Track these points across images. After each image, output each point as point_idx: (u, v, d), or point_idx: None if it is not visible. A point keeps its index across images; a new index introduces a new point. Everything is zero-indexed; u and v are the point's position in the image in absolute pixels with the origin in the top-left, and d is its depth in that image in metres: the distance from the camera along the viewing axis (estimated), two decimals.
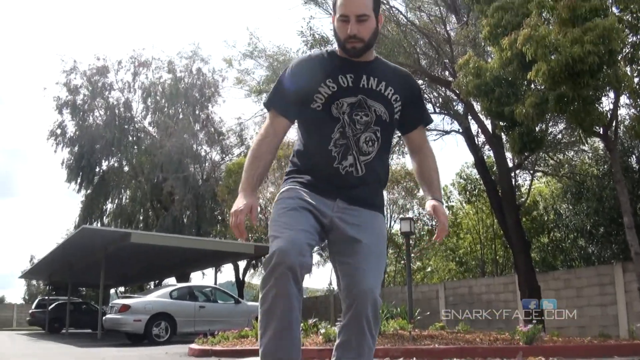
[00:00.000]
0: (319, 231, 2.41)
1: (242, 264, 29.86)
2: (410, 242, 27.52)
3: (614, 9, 11.14)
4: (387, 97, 2.52)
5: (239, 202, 2.40)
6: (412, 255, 28.74)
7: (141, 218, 31.61)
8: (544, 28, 10.56)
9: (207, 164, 32.01)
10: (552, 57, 10.21)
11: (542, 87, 11.17)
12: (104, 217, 31.23)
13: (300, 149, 2.60)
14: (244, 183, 2.49)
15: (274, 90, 2.63)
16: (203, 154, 32.14)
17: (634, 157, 17.12)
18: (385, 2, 17.53)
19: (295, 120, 2.63)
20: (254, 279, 34.18)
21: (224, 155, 32.03)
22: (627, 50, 11.07)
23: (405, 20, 17.65)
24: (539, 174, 21.97)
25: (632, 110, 12.39)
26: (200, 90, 31.57)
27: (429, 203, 2.67)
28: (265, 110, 2.68)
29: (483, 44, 14.62)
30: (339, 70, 2.50)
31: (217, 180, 29.69)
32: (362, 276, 2.34)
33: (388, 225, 28.52)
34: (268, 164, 2.57)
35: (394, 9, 17.77)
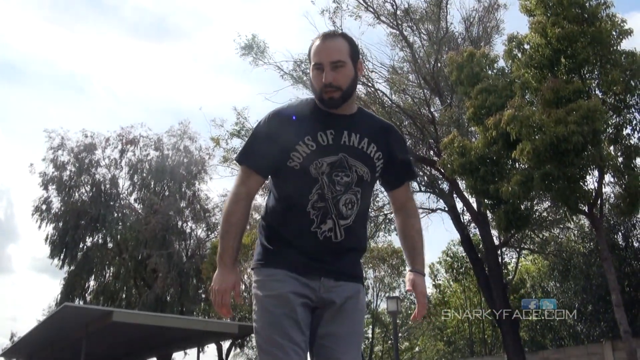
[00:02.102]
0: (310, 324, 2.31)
1: (225, 345, 29.15)
2: (398, 321, 27.25)
3: (597, 92, 11.52)
4: (369, 155, 2.36)
5: (221, 280, 2.26)
6: (400, 335, 28.27)
7: (124, 296, 30.96)
8: (527, 109, 10.88)
9: (192, 241, 31.74)
10: (537, 137, 10.46)
11: (527, 166, 11.37)
12: (86, 295, 30.60)
13: (276, 209, 2.41)
14: (223, 255, 2.31)
15: (248, 144, 2.42)
16: (188, 230, 31.90)
17: (620, 234, 17.22)
18: (370, 85, 18.06)
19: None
20: (238, 359, 33.29)
21: (209, 232, 31.80)
22: (611, 131, 11.36)
23: (390, 102, 18.08)
24: (525, 251, 22.00)
25: (617, 188, 12.59)
26: (187, 168, 31.69)
27: (408, 276, 2.47)
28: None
29: (467, 124, 14.97)
30: (318, 126, 2.32)
31: (202, 258, 29.35)
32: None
33: (375, 304, 28.19)
34: (243, 230, 2.38)
35: (379, 91, 18.25)
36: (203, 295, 31.01)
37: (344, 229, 2.31)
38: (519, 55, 12.30)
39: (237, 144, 19.96)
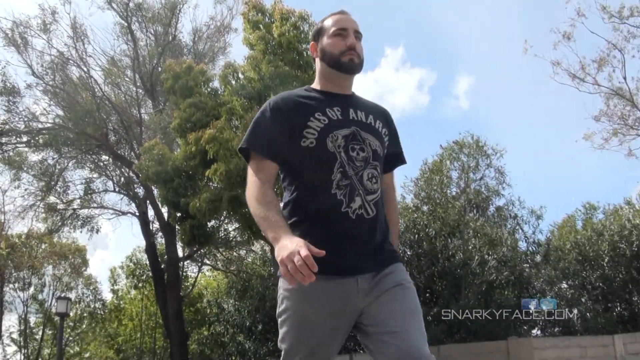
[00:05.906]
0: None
1: None
2: (70, 323, 25.70)
3: None
4: (378, 130, 2.32)
5: (287, 244, 1.87)
6: (71, 339, 26.83)
7: None
8: (229, 132, 11.24)
9: None
10: (232, 160, 10.84)
11: (219, 186, 11.71)
12: None
13: (297, 200, 2.19)
14: (276, 232, 1.97)
15: (252, 130, 2.24)
16: None
17: None
18: (85, 70, 17.17)
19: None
20: None
21: None
22: None
23: (101, 92, 17.33)
24: (207, 267, 22.54)
25: None
26: None
27: None
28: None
29: (173, 134, 14.99)
30: (325, 103, 2.26)
31: None
32: (407, 337, 2.00)
33: (49, 303, 26.16)
34: (279, 208, 2.12)
35: (92, 78, 17.39)
36: None
37: (373, 203, 2.18)
38: (233, 82, 12.71)
39: None
